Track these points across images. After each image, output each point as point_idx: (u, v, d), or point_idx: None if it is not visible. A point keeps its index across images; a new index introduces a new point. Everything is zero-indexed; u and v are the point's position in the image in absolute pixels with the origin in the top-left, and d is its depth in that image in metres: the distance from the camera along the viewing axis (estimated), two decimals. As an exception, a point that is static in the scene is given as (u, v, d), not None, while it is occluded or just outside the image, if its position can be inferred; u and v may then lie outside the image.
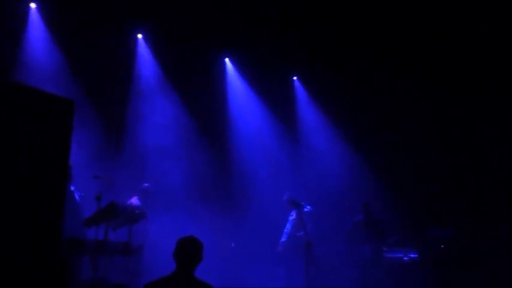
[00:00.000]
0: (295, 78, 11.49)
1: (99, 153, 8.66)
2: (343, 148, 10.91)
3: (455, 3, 9.05)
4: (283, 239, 8.89)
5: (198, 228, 8.26)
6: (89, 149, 8.38)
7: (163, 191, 8.76)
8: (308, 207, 8.91)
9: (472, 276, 8.47)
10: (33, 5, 8.88)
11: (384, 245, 8.89)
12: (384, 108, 10.51)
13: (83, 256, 6.16)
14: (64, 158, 4.79)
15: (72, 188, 6.87)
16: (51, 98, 4.82)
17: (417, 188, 10.17)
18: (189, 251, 4.35)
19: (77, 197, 6.94)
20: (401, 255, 8.75)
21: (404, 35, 9.82)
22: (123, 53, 9.66)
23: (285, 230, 8.97)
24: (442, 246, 9.12)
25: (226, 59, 10.97)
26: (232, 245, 9.31)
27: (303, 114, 11.44)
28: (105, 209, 6.23)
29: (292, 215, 8.98)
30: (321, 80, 10.94)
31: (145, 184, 8.45)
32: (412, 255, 8.75)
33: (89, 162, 7.98)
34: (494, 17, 9.11)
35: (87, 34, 8.77)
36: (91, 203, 6.58)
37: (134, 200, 8.11)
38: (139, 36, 10.02)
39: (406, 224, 9.63)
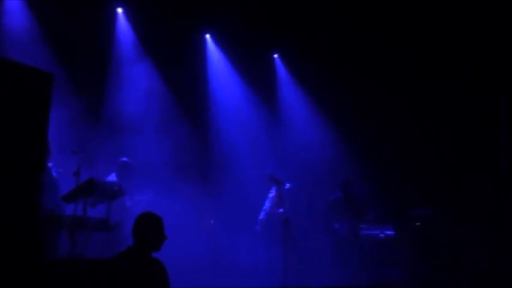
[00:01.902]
0: (276, 56, 11.45)
1: (77, 128, 8.56)
2: (322, 126, 10.95)
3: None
4: (261, 216, 8.94)
5: (177, 203, 8.35)
6: (67, 123, 8.28)
7: (141, 165, 8.71)
8: (288, 184, 8.98)
9: (448, 254, 8.64)
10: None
11: (361, 222, 8.98)
12: (364, 86, 10.54)
13: (61, 231, 6.14)
14: (42, 132, 4.74)
15: (50, 164, 6.80)
16: (29, 70, 4.75)
17: (397, 166, 10.26)
18: (143, 227, 4.33)
19: (54, 172, 6.87)
20: (378, 232, 8.87)
21: (387, 15, 9.83)
22: (103, 27, 9.50)
23: (264, 208, 9.02)
24: (418, 224, 9.25)
25: (207, 36, 10.87)
26: (212, 221, 9.33)
27: (283, 92, 11.44)
28: (83, 185, 6.21)
29: (272, 192, 9.03)
30: (302, 57, 10.92)
31: (123, 158, 8.32)
32: (388, 232, 8.87)
33: (68, 137, 7.89)
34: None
35: (65, 7, 8.61)
36: (70, 178, 6.55)
37: (112, 177, 8.05)
38: (119, 10, 9.86)
39: (386, 202, 9.74)
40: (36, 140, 4.63)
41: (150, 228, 4.33)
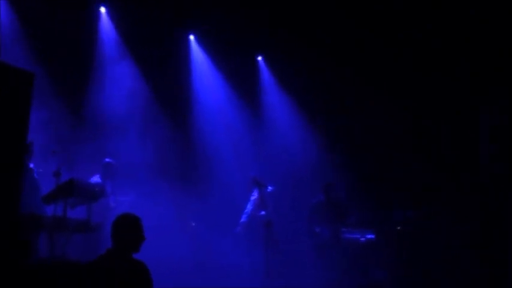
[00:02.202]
0: (259, 58, 11.45)
1: (58, 128, 8.48)
2: (305, 128, 10.97)
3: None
4: (243, 219, 8.96)
5: (160, 205, 8.31)
6: (48, 123, 8.19)
7: (124, 166, 8.67)
8: (270, 187, 8.99)
9: (429, 258, 8.70)
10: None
11: (342, 226, 9.01)
12: (347, 88, 10.59)
13: (41, 233, 6.06)
14: (22, 132, 4.68)
15: (32, 166, 6.73)
16: (9, 69, 4.69)
17: (380, 169, 10.31)
18: (121, 229, 4.30)
19: (35, 174, 6.80)
20: (359, 236, 8.90)
21: (371, 15, 9.87)
22: (86, 26, 9.42)
23: (246, 210, 9.03)
24: (399, 227, 9.30)
25: (191, 37, 10.84)
26: (193, 224, 9.30)
27: (266, 94, 11.44)
28: (63, 186, 6.14)
29: (254, 195, 9.04)
30: (285, 59, 10.93)
31: (107, 159, 8.37)
32: (369, 236, 8.91)
33: (48, 137, 7.80)
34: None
35: (47, 5, 8.52)
36: (50, 179, 6.47)
37: (95, 178, 8.03)
38: (103, 10, 9.78)
39: (368, 205, 9.78)
40: (16, 141, 4.56)
41: (128, 229, 4.30)
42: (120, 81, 9.71)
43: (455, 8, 9.11)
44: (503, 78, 9.43)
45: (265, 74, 11.43)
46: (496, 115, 9.67)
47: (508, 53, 9.20)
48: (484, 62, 9.57)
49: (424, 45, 9.88)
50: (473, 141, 9.89)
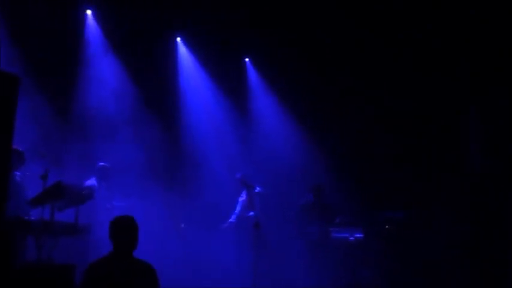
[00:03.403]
0: (247, 59, 11.46)
1: (45, 131, 8.45)
2: (293, 129, 10.99)
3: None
4: (231, 219, 8.98)
5: (148, 207, 8.29)
6: (35, 125, 8.16)
7: (112, 168, 8.65)
8: (258, 188, 9.01)
9: (418, 256, 8.75)
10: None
11: (331, 225, 9.04)
12: (335, 90, 10.63)
13: (27, 236, 6.03)
14: (7, 135, 4.65)
15: (18, 174, 6.70)
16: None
17: (369, 169, 10.35)
18: (127, 230, 4.32)
19: (17, 178, 6.76)
20: (347, 235, 8.92)
21: (360, 15, 9.92)
22: (72, 28, 9.39)
23: (235, 211, 9.05)
24: (387, 226, 9.34)
25: (178, 39, 10.82)
26: (182, 225, 9.29)
27: (254, 96, 11.45)
28: (50, 189, 6.10)
29: (242, 196, 9.06)
30: (273, 61, 10.96)
31: (101, 163, 8.42)
32: (357, 235, 8.94)
33: (35, 140, 7.77)
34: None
35: (33, 7, 8.48)
36: (37, 181, 6.43)
37: (90, 181, 8.06)
38: (89, 12, 9.74)
39: (356, 205, 9.81)
40: (1, 144, 4.54)
41: (129, 230, 4.34)
42: (107, 83, 9.69)
43: (455, 8, 9.16)
44: (503, 78, 9.52)
45: (253, 75, 11.44)
46: (490, 115, 9.77)
47: (508, 53, 9.28)
48: (483, 62, 9.66)
49: (416, 45, 9.94)
50: (464, 141, 10.00)
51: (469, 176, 9.77)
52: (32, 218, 6.24)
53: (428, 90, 10.04)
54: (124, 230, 4.33)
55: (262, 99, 11.42)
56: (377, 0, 9.55)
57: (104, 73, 9.77)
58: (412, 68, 10.09)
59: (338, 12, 9.83)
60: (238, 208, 9.04)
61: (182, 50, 10.87)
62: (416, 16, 9.48)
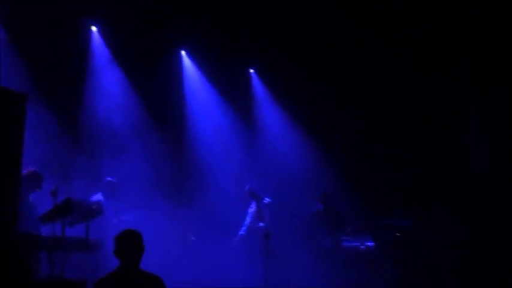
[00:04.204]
0: (251, 70, 11.50)
1: (53, 147, 8.48)
2: (299, 138, 11.00)
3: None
4: (241, 232, 8.97)
5: (156, 220, 8.30)
6: (43, 142, 8.19)
7: (120, 184, 8.66)
8: (267, 199, 9.00)
9: (428, 265, 8.70)
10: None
11: (342, 235, 9.01)
12: (341, 98, 10.65)
13: (39, 253, 6.05)
14: (17, 153, 4.68)
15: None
16: (1, 91, 4.70)
17: (378, 176, 10.33)
18: (131, 245, 4.33)
19: (30, 198, 6.81)
20: (358, 243, 8.89)
21: (362, 25, 9.95)
22: (77, 45, 9.44)
23: (244, 223, 9.04)
24: (398, 234, 9.31)
25: (183, 52, 10.88)
26: (192, 238, 9.28)
27: (260, 106, 11.48)
28: (61, 205, 6.13)
29: (252, 207, 9.06)
30: (278, 71, 11.00)
31: (108, 178, 8.42)
32: (368, 244, 8.91)
33: (44, 156, 7.81)
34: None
35: (39, 25, 8.53)
36: (47, 198, 6.46)
37: (97, 196, 8.07)
38: (94, 28, 9.81)
39: (366, 213, 9.79)
40: (11, 161, 4.56)
41: (135, 245, 4.35)
42: (113, 96, 9.73)
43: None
44: (502, 78, 9.51)
45: (258, 86, 11.47)
46: (491, 115, 9.75)
47: (508, 53, 9.28)
48: (483, 62, 9.66)
49: (416, 45, 9.95)
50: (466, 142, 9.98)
51: (474, 179, 9.74)
52: (43, 234, 6.26)
53: (429, 90, 10.04)
54: (129, 244, 4.34)
55: (268, 110, 11.45)
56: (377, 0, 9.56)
57: (110, 87, 9.81)
58: (413, 68, 10.09)
59: (345, 22, 9.87)
60: (248, 219, 9.03)
61: (187, 62, 10.91)
62: (416, 16, 9.49)
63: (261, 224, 8.82)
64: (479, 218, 9.23)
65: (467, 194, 9.55)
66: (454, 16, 9.28)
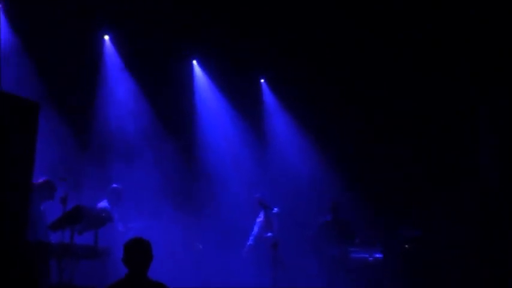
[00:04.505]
0: (262, 80, 11.54)
1: (64, 154, 8.55)
2: (310, 148, 11.01)
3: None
4: (250, 242, 8.97)
5: (165, 228, 8.33)
6: (55, 149, 8.26)
7: (130, 190, 8.69)
8: (276, 208, 8.99)
9: (438, 277, 8.66)
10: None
11: (351, 245, 8.99)
12: (349, 109, 10.66)
13: (49, 260, 6.10)
14: (29, 161, 4.73)
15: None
16: (15, 100, 4.76)
17: (387, 187, 10.31)
18: (139, 253, 4.38)
19: (41, 206, 6.88)
20: (367, 255, 8.86)
21: (371, 36, 9.97)
22: (90, 53, 9.54)
23: (253, 233, 9.04)
24: (407, 246, 9.27)
25: (194, 61, 10.95)
26: (200, 246, 9.30)
27: (270, 116, 11.51)
28: (70, 212, 6.18)
29: (260, 217, 9.06)
30: (288, 81, 11.04)
31: (114, 185, 8.38)
32: (377, 256, 8.87)
33: (55, 163, 7.88)
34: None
35: (51, 33, 8.64)
36: (57, 204, 6.53)
37: (102, 203, 8.08)
38: (106, 37, 9.91)
39: (375, 224, 9.77)
40: (23, 170, 4.62)
41: (143, 253, 4.39)
42: (124, 105, 9.80)
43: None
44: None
45: (268, 95, 11.51)
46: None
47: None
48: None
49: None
50: (474, 148, 9.93)
51: (483, 183, 9.70)
52: (53, 241, 6.32)
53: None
54: (137, 252, 4.38)
55: (278, 119, 11.47)
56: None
57: (122, 95, 9.89)
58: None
59: (353, 31, 9.89)
60: (256, 229, 9.04)
61: (198, 71, 10.99)
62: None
63: (269, 234, 8.83)
64: (488, 223, 9.17)
65: (477, 199, 9.50)
66: (454, 16, 9.25)
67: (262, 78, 11.51)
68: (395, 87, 10.35)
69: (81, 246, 6.22)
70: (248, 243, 8.98)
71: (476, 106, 10.10)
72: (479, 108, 10.09)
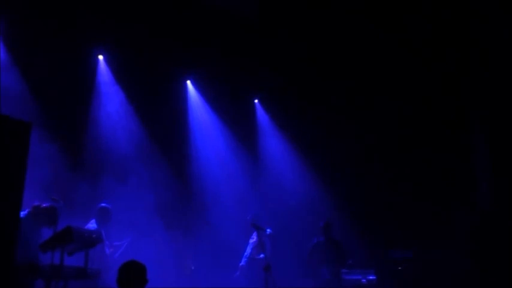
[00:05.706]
0: (256, 101, 11.58)
1: (55, 174, 8.49)
2: (303, 169, 11.01)
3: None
4: (242, 263, 8.91)
5: (157, 248, 8.27)
6: (46, 170, 8.21)
7: (121, 211, 8.61)
8: (268, 230, 8.96)
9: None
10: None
11: (343, 267, 8.94)
12: (341, 129, 10.70)
13: (37, 281, 6.02)
14: (19, 181, 4.70)
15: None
16: (5, 119, 4.74)
17: (378, 209, 10.30)
18: (131, 277, 4.35)
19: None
20: (360, 277, 8.81)
21: (364, 57, 10.05)
22: (83, 73, 9.55)
23: (245, 254, 8.99)
24: (400, 268, 9.23)
25: (188, 82, 10.98)
26: (192, 267, 9.24)
27: (264, 136, 11.52)
28: (60, 233, 6.11)
29: (253, 238, 9.01)
30: (282, 101, 11.09)
31: (102, 204, 8.18)
32: (370, 277, 8.82)
33: (47, 185, 7.82)
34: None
35: (45, 54, 8.64)
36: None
37: (91, 223, 7.97)
38: (100, 57, 9.93)
39: (367, 245, 9.74)
40: (12, 191, 4.59)
41: (138, 275, 4.34)
42: (118, 126, 9.78)
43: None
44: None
45: (262, 115, 11.54)
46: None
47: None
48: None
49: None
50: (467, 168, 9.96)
51: (481, 213, 9.71)
52: (42, 262, 6.24)
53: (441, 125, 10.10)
54: (131, 275, 4.35)
55: (272, 140, 11.50)
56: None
57: (115, 115, 9.88)
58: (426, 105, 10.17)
59: (346, 50, 9.97)
60: (248, 250, 9.00)
61: (192, 92, 11.01)
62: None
63: (262, 255, 8.75)
64: (481, 242, 9.17)
65: (472, 227, 9.50)
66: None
67: (256, 98, 11.53)
68: (387, 107, 10.44)
69: (71, 268, 6.15)
70: (240, 264, 8.93)
71: (470, 124, 10.17)
72: (473, 125, 10.17)
